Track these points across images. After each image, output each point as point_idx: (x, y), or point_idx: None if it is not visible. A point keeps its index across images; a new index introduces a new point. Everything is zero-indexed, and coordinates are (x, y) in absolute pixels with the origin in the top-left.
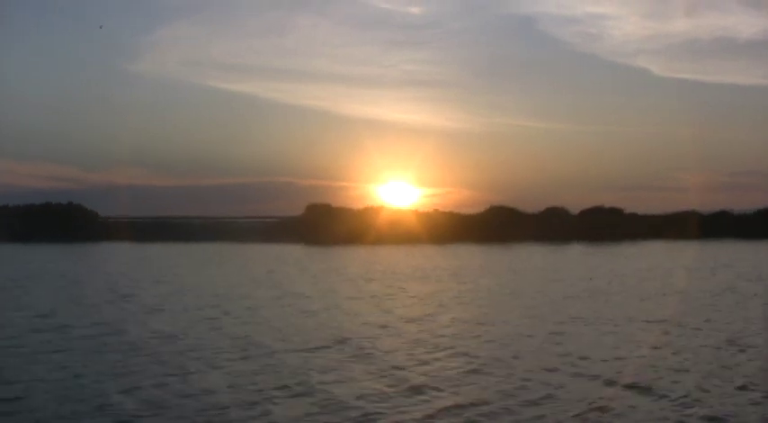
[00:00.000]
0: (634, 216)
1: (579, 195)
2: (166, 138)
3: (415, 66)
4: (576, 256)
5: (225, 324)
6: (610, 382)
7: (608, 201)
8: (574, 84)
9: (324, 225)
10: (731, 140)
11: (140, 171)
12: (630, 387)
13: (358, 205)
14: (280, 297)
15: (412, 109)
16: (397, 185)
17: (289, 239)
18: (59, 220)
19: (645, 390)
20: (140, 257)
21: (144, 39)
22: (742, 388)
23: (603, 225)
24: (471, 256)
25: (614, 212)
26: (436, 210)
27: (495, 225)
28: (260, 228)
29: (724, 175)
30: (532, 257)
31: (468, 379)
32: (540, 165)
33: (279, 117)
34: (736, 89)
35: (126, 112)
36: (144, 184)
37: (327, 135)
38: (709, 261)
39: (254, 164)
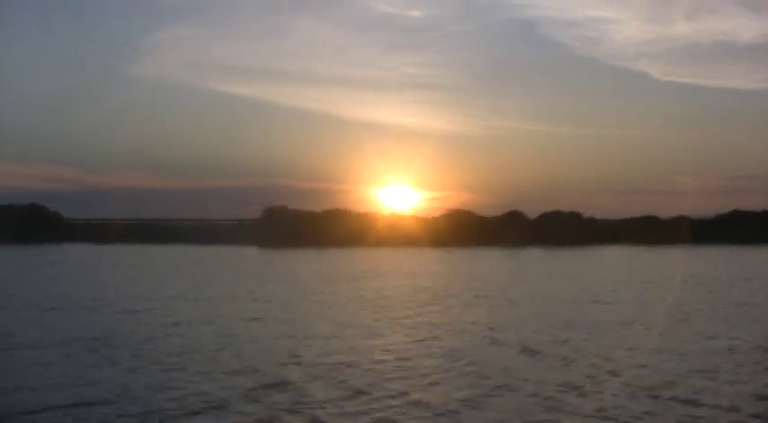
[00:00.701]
0: (592, 220)
1: (579, 198)
2: (166, 140)
3: (416, 69)
4: (510, 262)
5: (31, 320)
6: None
7: (608, 204)
8: (574, 87)
9: (280, 228)
10: (731, 144)
11: (140, 173)
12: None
13: (359, 209)
14: (138, 298)
15: (412, 112)
16: (398, 189)
17: (253, 242)
18: (22, 222)
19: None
20: (82, 260)
21: (144, 40)
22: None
23: (561, 230)
24: (405, 259)
25: (572, 217)
26: (393, 213)
27: (452, 229)
28: (227, 229)
29: (724, 179)
30: (462, 262)
31: (181, 376)
32: (540, 168)
33: (279, 119)
34: (737, 93)
35: (126, 114)
36: (144, 187)
37: (328, 138)
38: (624, 267)
39: (254, 166)
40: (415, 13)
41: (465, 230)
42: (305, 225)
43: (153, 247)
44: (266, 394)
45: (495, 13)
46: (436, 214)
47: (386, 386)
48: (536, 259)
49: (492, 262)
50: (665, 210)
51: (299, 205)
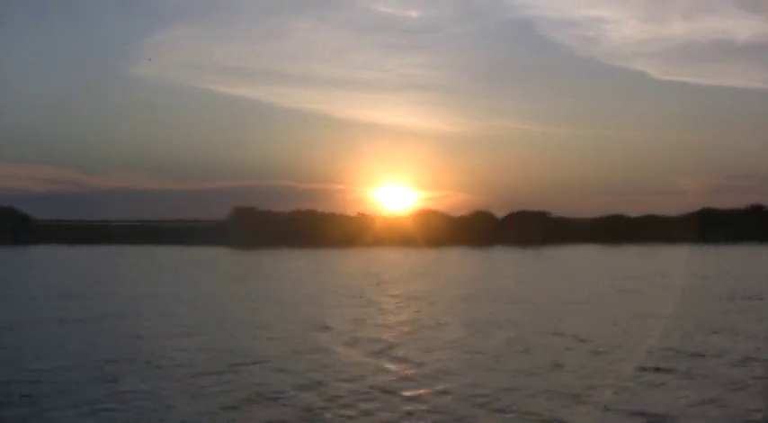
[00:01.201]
0: (561, 220)
1: (577, 199)
2: (166, 141)
3: (414, 70)
4: (452, 261)
5: None
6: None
7: (606, 204)
8: (572, 87)
9: (249, 228)
10: (729, 144)
11: (140, 174)
12: None
13: (349, 210)
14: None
15: (411, 113)
16: (396, 189)
17: (224, 243)
18: None
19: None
20: (30, 261)
21: (144, 41)
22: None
23: (528, 229)
24: (355, 259)
25: (539, 216)
26: (361, 213)
27: (421, 229)
28: (203, 231)
29: (721, 178)
30: (410, 262)
31: None
32: (538, 168)
33: (279, 121)
34: (734, 92)
35: (125, 115)
36: (144, 188)
37: (327, 139)
38: (563, 266)
39: (254, 167)
40: (414, 15)
41: (434, 230)
42: (274, 226)
43: (123, 248)
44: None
45: (494, 14)
46: (406, 215)
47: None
48: (484, 258)
49: (437, 262)
50: (664, 209)
51: (299, 206)
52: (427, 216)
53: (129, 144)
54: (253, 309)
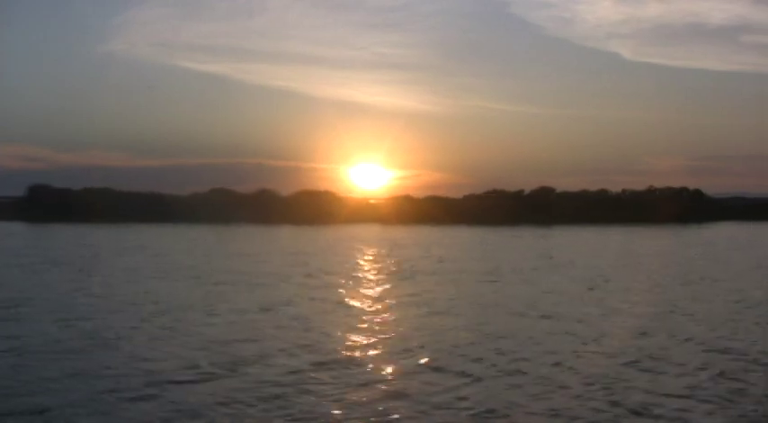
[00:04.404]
0: (350, 199)
1: (549, 178)
2: (136, 119)
3: (387, 48)
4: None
5: None
6: None
7: (577, 184)
8: (546, 67)
9: (44, 205)
10: (702, 125)
11: (111, 152)
12: None
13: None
14: None
15: (383, 91)
16: (368, 167)
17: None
18: None
19: None
20: None
21: (114, 20)
22: None
23: (315, 208)
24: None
25: (328, 195)
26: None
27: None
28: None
29: (694, 160)
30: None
31: None
32: (510, 147)
33: (250, 98)
34: (707, 74)
35: (96, 94)
36: (115, 165)
37: (298, 117)
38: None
39: (223, 145)
40: None
41: (225, 207)
42: (68, 201)
43: None
44: None
45: None
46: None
47: None
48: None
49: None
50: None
51: (270, 183)
52: (216, 194)
53: (100, 122)
54: None
